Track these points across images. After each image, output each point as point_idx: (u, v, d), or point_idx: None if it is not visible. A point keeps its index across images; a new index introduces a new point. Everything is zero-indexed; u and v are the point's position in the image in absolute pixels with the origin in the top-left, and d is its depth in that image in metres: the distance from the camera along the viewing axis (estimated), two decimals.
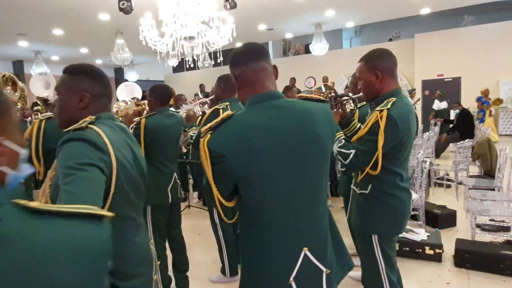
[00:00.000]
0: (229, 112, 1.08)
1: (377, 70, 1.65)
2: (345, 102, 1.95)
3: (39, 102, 6.11)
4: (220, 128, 1.06)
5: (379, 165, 1.59)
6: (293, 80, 9.68)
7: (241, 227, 1.18)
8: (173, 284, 2.62)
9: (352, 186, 1.87)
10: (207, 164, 1.04)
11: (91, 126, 1.09)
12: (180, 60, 8.02)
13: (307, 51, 12.67)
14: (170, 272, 2.58)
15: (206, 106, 3.33)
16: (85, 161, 0.96)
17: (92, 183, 0.92)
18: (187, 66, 11.84)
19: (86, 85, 1.18)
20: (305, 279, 1.12)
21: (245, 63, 1.12)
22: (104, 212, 0.62)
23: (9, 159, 0.59)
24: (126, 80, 11.57)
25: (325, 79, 9.44)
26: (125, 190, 1.13)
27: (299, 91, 7.88)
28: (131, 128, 2.35)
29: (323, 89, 9.00)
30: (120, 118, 2.67)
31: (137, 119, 2.46)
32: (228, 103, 2.41)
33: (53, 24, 6.94)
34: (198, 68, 11.14)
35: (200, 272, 2.94)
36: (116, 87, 10.87)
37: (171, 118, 2.43)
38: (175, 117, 2.48)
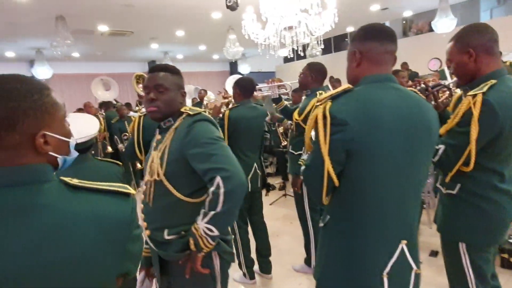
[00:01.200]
0: (349, 85, 1.09)
1: (469, 48, 1.38)
2: (439, 91, 1.69)
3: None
4: (342, 97, 1.03)
5: (472, 162, 1.33)
6: (405, 65, 8.71)
7: (333, 213, 1.14)
8: (256, 267, 2.75)
9: (437, 185, 1.62)
10: (323, 133, 1.00)
11: (203, 112, 1.38)
12: (290, 50, 8.18)
13: (432, 29, 11.20)
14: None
15: (283, 90, 3.29)
16: (218, 135, 1.28)
17: (229, 150, 1.25)
18: (297, 56, 11.93)
19: (182, 82, 1.43)
20: (397, 276, 1.07)
21: (379, 41, 1.09)
22: (131, 191, 0.76)
23: (57, 147, 0.72)
24: (239, 73, 12.34)
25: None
26: None
27: (415, 76, 7.01)
28: (217, 119, 2.53)
29: (446, 72, 7.85)
30: (210, 110, 2.90)
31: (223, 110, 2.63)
32: (320, 91, 2.39)
33: (176, 27, 7.87)
34: (306, 57, 11.07)
35: (285, 260, 2.99)
36: None
37: (253, 111, 2.52)
38: (257, 110, 2.56)
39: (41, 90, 0.70)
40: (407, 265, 1.08)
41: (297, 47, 6.13)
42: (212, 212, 1.16)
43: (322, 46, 7.70)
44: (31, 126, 0.67)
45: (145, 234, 1.37)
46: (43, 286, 0.63)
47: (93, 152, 3.89)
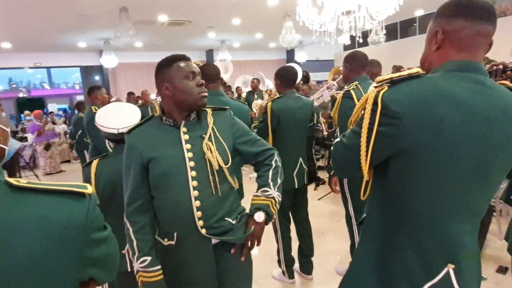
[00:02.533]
0: (419, 70, 0.88)
1: None
2: None
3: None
4: (403, 84, 0.85)
5: None
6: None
7: (369, 211, 1.02)
8: (297, 266, 2.64)
9: None
10: (368, 120, 0.86)
11: None
12: (352, 36, 7.66)
13: None
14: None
15: (332, 91, 3.07)
16: None
17: None
18: (358, 43, 11.25)
19: None
20: None
21: (471, 18, 0.86)
22: (87, 190, 0.69)
23: (4, 140, 0.71)
24: (296, 62, 12.07)
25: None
26: None
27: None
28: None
29: None
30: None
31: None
32: (357, 82, 2.14)
33: (232, 15, 7.86)
34: (368, 44, 10.42)
35: (328, 261, 2.84)
36: None
37: (297, 101, 2.37)
38: (302, 100, 2.40)
39: None
40: None
41: (356, 33, 5.76)
42: (279, 181, 1.39)
43: (384, 32, 7.16)
44: None
45: (200, 229, 1.29)
46: None
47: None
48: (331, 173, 2.33)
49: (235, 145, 1.39)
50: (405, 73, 0.86)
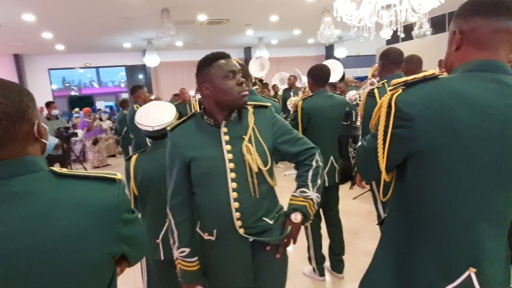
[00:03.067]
0: (435, 71, 0.88)
1: None
2: None
3: (257, 82, 7.23)
4: (418, 86, 0.86)
5: None
6: None
7: (390, 211, 1.02)
8: (327, 264, 2.64)
9: None
10: (383, 123, 0.88)
11: None
12: (394, 30, 7.32)
13: None
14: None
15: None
16: None
17: None
18: (402, 37, 10.78)
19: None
20: None
21: (487, 16, 0.84)
22: (117, 176, 0.81)
23: (45, 136, 0.81)
24: (335, 58, 11.83)
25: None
26: None
27: None
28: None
29: None
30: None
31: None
32: (385, 80, 2.09)
33: (269, 12, 7.88)
34: (413, 38, 9.96)
35: (361, 261, 2.80)
36: None
37: (329, 100, 2.35)
38: (334, 99, 2.38)
39: (26, 88, 0.78)
40: None
41: (397, 28, 5.54)
42: (319, 182, 1.36)
43: (427, 25, 6.81)
44: (32, 117, 0.76)
45: (239, 230, 1.30)
46: (37, 263, 0.70)
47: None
48: (355, 169, 2.30)
49: (276, 144, 1.36)
50: (420, 75, 0.86)
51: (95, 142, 7.55)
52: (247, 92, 1.28)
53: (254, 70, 7.59)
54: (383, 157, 0.90)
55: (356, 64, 13.72)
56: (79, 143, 8.06)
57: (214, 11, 7.30)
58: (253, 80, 7.26)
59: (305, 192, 1.34)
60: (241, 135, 1.30)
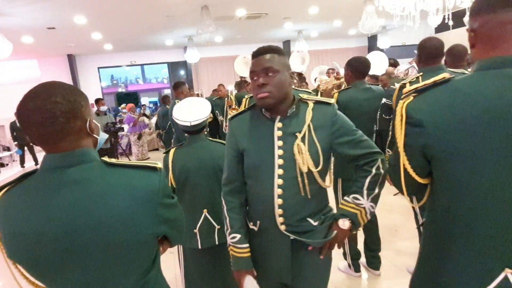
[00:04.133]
0: (446, 75, 0.91)
1: None
2: None
3: (295, 76, 7.18)
4: (429, 92, 0.89)
5: None
6: None
7: (427, 215, 1.02)
8: (363, 260, 2.60)
9: None
10: (400, 131, 0.92)
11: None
12: (447, 16, 6.83)
13: None
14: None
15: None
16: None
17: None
18: (453, 24, 10.05)
19: (288, 63, 1.30)
20: None
21: (491, 11, 0.83)
22: (158, 165, 0.92)
23: (97, 131, 0.93)
24: (378, 48, 11.39)
25: None
26: None
27: None
28: None
29: None
30: (319, 93, 2.77)
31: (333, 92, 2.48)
32: (421, 73, 2.01)
33: (309, 4, 7.76)
34: (466, 25, 9.30)
35: (399, 259, 2.72)
36: None
37: (366, 93, 2.29)
38: (371, 91, 2.32)
39: (80, 89, 0.90)
40: None
41: (447, 15, 5.21)
42: (377, 191, 1.26)
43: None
44: (85, 114, 0.86)
45: (280, 227, 1.29)
46: (94, 238, 0.81)
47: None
48: None
49: (333, 145, 1.27)
50: (430, 81, 0.88)
51: (140, 137, 7.95)
52: (264, 94, 1.21)
53: (295, 64, 7.52)
54: (403, 169, 0.94)
55: (401, 54, 13.11)
56: (125, 138, 8.52)
57: (253, 6, 7.33)
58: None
59: (358, 199, 1.25)
60: (295, 132, 1.25)
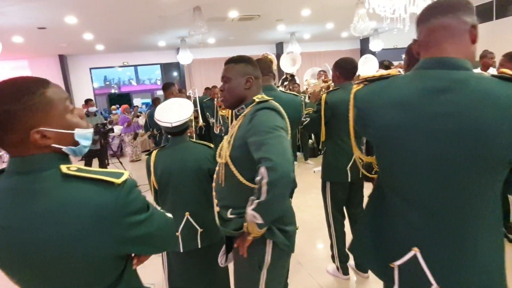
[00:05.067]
0: (395, 71, 1.03)
1: None
2: None
3: (288, 77, 7.17)
4: (374, 83, 1.03)
5: None
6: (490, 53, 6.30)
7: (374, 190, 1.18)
8: (352, 262, 2.57)
9: None
10: (352, 113, 1.10)
11: (271, 100, 1.38)
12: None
13: None
14: None
15: None
16: (278, 125, 1.26)
17: (284, 140, 1.22)
18: None
19: (249, 69, 1.44)
20: (410, 281, 1.00)
21: (426, 20, 0.96)
22: (115, 180, 0.78)
23: (59, 139, 0.79)
24: (370, 51, 11.43)
25: None
26: None
27: None
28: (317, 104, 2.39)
29: None
30: (307, 96, 2.74)
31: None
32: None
33: (301, 6, 7.77)
34: None
35: None
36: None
37: None
38: None
39: (32, 91, 0.75)
40: (422, 277, 0.96)
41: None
42: (257, 201, 1.17)
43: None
44: (25, 125, 0.74)
45: (215, 210, 1.45)
46: (48, 256, 0.74)
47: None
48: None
49: (247, 143, 1.28)
50: (377, 74, 1.02)
51: (135, 137, 7.90)
52: (221, 99, 1.48)
53: (286, 65, 7.52)
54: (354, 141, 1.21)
55: (393, 57, 13.19)
56: (117, 139, 8.44)
57: (245, 7, 7.32)
58: (285, 76, 7.23)
59: (248, 207, 1.22)
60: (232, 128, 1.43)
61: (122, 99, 13.87)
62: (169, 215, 0.99)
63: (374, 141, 1.04)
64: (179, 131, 1.83)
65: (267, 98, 1.39)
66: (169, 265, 1.96)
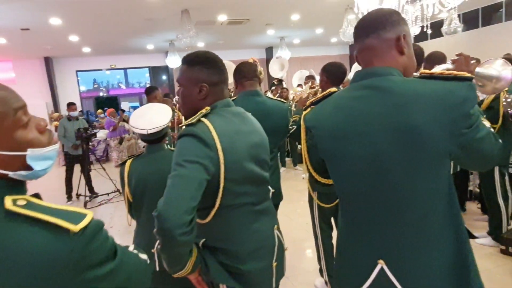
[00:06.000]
0: (332, 89, 1.10)
1: None
2: None
3: (275, 82, 7.10)
4: (319, 104, 1.08)
5: None
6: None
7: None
8: None
9: None
10: (303, 137, 1.15)
11: (203, 119, 1.12)
12: (422, 27, 6.87)
13: None
14: None
15: None
16: (190, 158, 1.03)
17: (187, 181, 0.99)
18: (431, 33, 10.17)
19: (203, 75, 1.17)
20: None
21: (355, 41, 1.03)
22: (71, 228, 0.61)
23: (6, 162, 0.64)
24: None
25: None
26: (238, 182, 1.14)
27: None
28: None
29: None
30: (294, 104, 2.66)
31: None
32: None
33: (290, 11, 7.72)
34: (443, 35, 9.47)
35: None
36: (351, 65, 10.99)
37: None
38: None
39: None
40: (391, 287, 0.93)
41: (426, 24, 5.23)
42: (160, 251, 1.05)
43: (457, 21, 6.42)
44: None
45: None
46: None
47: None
48: None
49: None
50: (321, 95, 1.09)
51: (121, 141, 7.71)
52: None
53: (274, 70, 7.47)
54: (309, 163, 1.17)
55: None
56: (103, 143, 8.24)
57: (234, 11, 7.24)
58: (274, 81, 7.15)
59: None
60: None
61: (110, 102, 13.65)
62: (144, 256, 0.83)
63: (324, 157, 1.06)
64: (156, 138, 1.71)
65: (203, 114, 1.13)
66: None
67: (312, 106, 1.09)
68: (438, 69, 1.25)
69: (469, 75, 0.88)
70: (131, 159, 1.75)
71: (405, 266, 0.92)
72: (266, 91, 6.79)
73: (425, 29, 5.36)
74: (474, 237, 1.03)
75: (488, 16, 9.67)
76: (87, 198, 4.97)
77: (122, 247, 0.74)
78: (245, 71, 2.06)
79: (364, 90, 0.96)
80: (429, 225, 0.91)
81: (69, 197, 5.17)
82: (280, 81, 7.09)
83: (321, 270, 2.43)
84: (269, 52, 11.74)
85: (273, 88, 6.70)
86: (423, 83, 0.91)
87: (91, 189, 5.20)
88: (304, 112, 1.12)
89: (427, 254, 0.91)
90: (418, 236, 0.91)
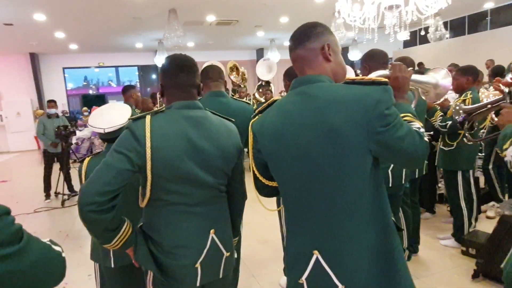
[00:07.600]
0: (276, 97, 1.18)
1: None
2: None
3: (263, 83, 7.13)
4: (265, 111, 1.15)
5: None
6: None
7: None
8: None
9: None
10: (251, 143, 1.18)
11: (147, 117, 1.20)
12: (412, 33, 6.99)
13: None
14: None
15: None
16: (118, 149, 1.15)
17: (107, 168, 1.11)
18: (420, 40, 10.32)
19: (161, 76, 1.31)
20: (318, 285, 1.04)
21: (289, 52, 1.12)
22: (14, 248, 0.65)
23: None
24: (349, 61, 11.57)
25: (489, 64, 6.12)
26: (168, 179, 1.19)
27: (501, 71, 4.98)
28: None
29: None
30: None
31: None
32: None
33: (280, 14, 7.78)
34: (430, 41, 9.61)
35: None
36: None
37: None
38: None
39: None
40: (329, 279, 1.00)
41: (420, 29, 5.30)
42: None
43: (443, 28, 6.52)
44: None
45: None
46: None
47: None
48: None
49: None
50: (266, 103, 1.16)
51: None
52: None
53: (262, 72, 7.48)
54: (255, 166, 1.20)
55: None
56: (87, 141, 8.18)
57: (223, 12, 7.27)
58: (260, 82, 7.18)
59: None
60: None
61: (98, 100, 13.54)
62: (58, 248, 0.83)
63: (267, 160, 1.12)
64: (113, 137, 1.72)
65: (152, 112, 1.24)
66: (101, 280, 1.84)
67: (259, 114, 1.16)
68: (374, 74, 1.28)
69: (385, 80, 0.98)
70: (89, 157, 1.75)
71: (337, 256, 1.00)
72: (254, 93, 6.84)
73: (419, 33, 5.43)
74: (401, 229, 1.14)
75: (475, 23, 9.85)
76: (65, 197, 4.94)
77: (32, 236, 0.75)
78: (210, 73, 2.12)
79: (298, 96, 1.04)
80: (356, 217, 0.98)
81: (47, 196, 5.12)
82: (267, 82, 7.12)
83: (285, 270, 2.45)
84: (260, 53, 11.80)
85: (260, 89, 6.73)
86: (345, 88, 1.00)
87: (70, 187, 5.16)
88: (252, 120, 1.16)
89: (355, 245, 0.98)
90: (347, 228, 0.99)
